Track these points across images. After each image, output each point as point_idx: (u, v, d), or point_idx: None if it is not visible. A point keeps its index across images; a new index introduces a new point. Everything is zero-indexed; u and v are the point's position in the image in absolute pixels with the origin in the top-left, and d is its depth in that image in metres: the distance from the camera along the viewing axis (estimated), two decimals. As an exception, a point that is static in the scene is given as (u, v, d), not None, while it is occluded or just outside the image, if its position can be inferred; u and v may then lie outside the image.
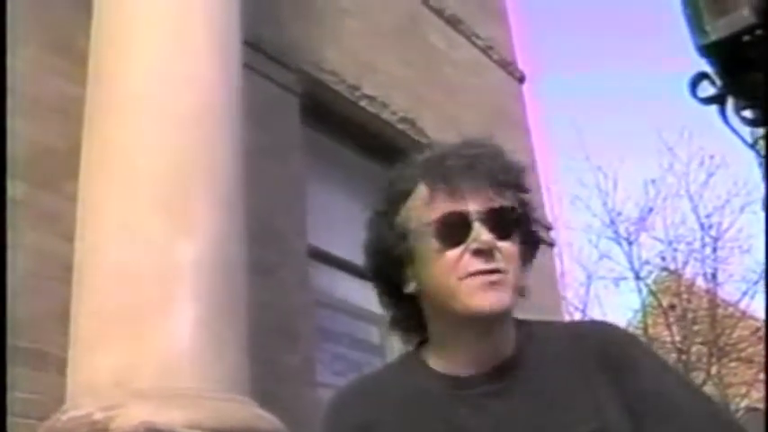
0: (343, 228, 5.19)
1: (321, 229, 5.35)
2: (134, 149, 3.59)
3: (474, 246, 1.30)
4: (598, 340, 1.37)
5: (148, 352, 3.25)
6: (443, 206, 1.32)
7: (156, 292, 3.35)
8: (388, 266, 1.37)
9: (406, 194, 1.37)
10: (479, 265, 1.30)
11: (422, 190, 1.35)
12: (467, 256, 1.30)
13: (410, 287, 1.36)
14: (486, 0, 8.46)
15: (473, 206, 1.32)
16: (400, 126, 6.33)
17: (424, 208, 1.34)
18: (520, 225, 1.36)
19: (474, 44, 7.86)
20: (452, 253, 1.31)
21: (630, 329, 17.17)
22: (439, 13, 7.45)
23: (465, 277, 1.30)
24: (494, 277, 1.30)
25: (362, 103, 6.07)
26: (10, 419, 3.20)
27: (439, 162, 1.35)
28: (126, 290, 3.35)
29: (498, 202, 1.33)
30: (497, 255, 1.31)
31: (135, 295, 3.33)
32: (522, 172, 1.39)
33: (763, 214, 3.17)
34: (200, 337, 3.36)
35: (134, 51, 3.78)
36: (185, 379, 3.27)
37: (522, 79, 8.63)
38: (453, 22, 7.61)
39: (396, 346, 4.77)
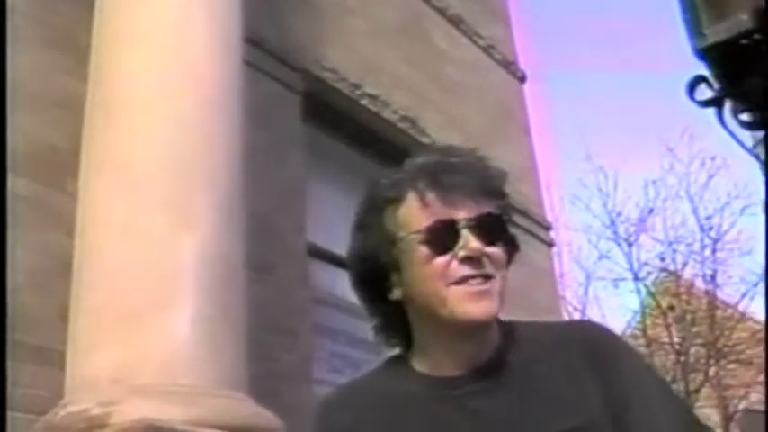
0: (342, 226, 5.14)
1: (320, 227, 5.37)
2: (134, 147, 3.61)
3: (462, 253, 1.33)
4: (582, 338, 1.40)
5: (147, 349, 3.27)
6: (432, 214, 1.35)
7: (155, 290, 3.37)
8: (375, 273, 1.39)
9: (393, 202, 1.39)
10: (468, 270, 1.32)
11: (411, 198, 1.37)
12: (455, 263, 1.33)
13: (396, 294, 1.39)
14: (488, 0, 8.47)
15: (461, 214, 1.34)
16: (401, 125, 6.34)
17: (413, 216, 1.36)
18: (505, 231, 1.39)
19: (476, 43, 7.87)
20: (441, 260, 1.33)
21: (629, 330, 17.24)
22: (441, 12, 7.46)
23: (454, 283, 1.32)
24: (483, 286, 1.33)
25: (364, 102, 6.08)
26: (11, 414, 3.22)
27: (427, 171, 1.37)
28: (125, 287, 3.36)
29: (485, 209, 1.36)
30: (485, 261, 1.34)
31: (134, 292, 3.34)
32: (504, 179, 1.42)
33: (763, 217, 3.18)
34: (198, 335, 3.37)
35: (135, 48, 3.79)
36: (184, 376, 3.29)
37: (523, 79, 8.65)
38: (455, 22, 7.62)
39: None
